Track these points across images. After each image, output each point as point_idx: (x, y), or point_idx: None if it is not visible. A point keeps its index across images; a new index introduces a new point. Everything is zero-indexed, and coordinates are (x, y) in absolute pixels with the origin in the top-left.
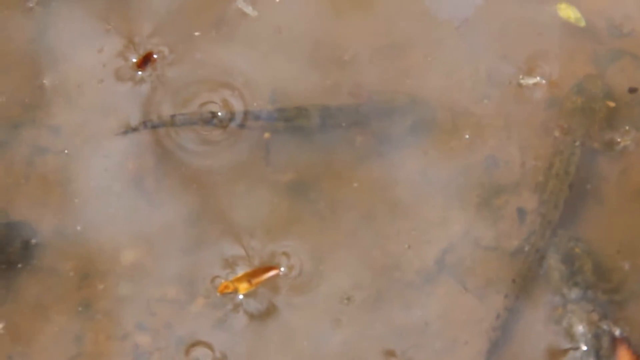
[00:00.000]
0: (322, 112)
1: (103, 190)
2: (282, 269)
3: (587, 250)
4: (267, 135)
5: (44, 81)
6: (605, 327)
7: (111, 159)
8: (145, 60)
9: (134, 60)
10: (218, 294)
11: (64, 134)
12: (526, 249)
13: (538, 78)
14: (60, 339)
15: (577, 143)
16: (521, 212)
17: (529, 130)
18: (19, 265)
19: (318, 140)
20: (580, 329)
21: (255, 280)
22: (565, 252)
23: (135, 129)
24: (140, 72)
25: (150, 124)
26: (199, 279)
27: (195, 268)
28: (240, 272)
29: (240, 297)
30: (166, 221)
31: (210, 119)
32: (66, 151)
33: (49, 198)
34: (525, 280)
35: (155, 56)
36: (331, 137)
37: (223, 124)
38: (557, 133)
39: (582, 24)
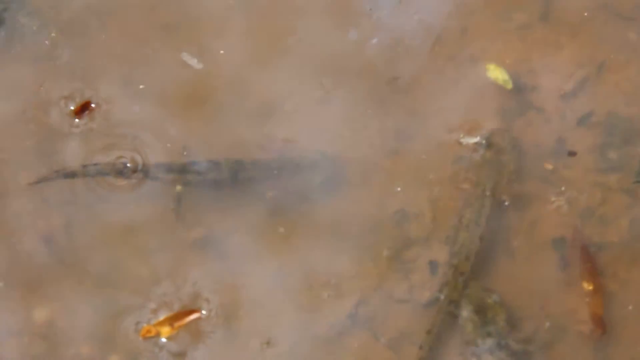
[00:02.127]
0: (234, 166)
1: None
2: (204, 311)
3: (499, 301)
4: (178, 188)
5: None
6: None
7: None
8: (83, 109)
9: (72, 107)
10: (140, 338)
11: None
12: (439, 300)
13: (478, 138)
14: None
15: (487, 194)
16: (433, 265)
17: (438, 184)
18: None
19: (229, 194)
20: None
21: (177, 324)
22: (478, 303)
23: (48, 179)
24: (76, 120)
25: (62, 174)
26: (113, 334)
27: (109, 324)
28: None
29: (163, 340)
30: (77, 280)
31: (122, 170)
32: None
33: None
34: (439, 331)
35: (92, 105)
36: (242, 191)
37: (134, 175)
38: (466, 186)
39: (509, 86)
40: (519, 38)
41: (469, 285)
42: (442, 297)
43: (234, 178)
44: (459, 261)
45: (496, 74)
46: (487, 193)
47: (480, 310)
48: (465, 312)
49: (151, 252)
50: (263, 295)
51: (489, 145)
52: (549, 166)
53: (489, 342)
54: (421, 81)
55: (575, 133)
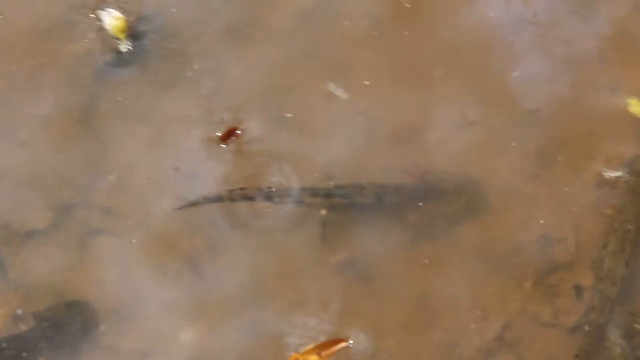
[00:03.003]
0: (378, 190)
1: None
2: (351, 341)
3: None
4: (323, 212)
5: None
6: None
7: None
8: (229, 135)
9: (219, 134)
10: None
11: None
12: (586, 325)
13: (621, 173)
14: None
15: (632, 220)
16: (578, 289)
17: (581, 209)
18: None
19: (373, 218)
20: None
21: (325, 353)
22: (625, 327)
23: (194, 204)
24: (223, 146)
25: (209, 198)
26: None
27: (255, 346)
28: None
29: None
30: (223, 301)
31: (269, 194)
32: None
33: (105, 279)
34: (587, 356)
35: (239, 132)
36: (385, 215)
37: (280, 200)
38: (608, 211)
39: None
40: None
41: (615, 310)
42: (588, 321)
43: (378, 202)
44: (605, 286)
45: (638, 108)
46: (632, 218)
47: (628, 335)
48: (613, 337)
49: (296, 275)
50: (406, 319)
51: (632, 170)
52: None
53: None
54: (560, 111)
55: None
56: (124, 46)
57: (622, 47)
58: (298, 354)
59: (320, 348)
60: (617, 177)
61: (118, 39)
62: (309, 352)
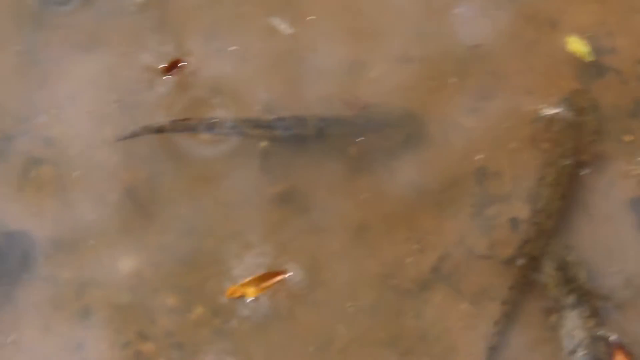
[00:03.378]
0: (319, 122)
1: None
2: (290, 272)
3: (579, 259)
4: (264, 143)
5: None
6: (601, 332)
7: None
8: (173, 67)
9: (162, 65)
10: (226, 298)
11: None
12: (521, 257)
13: (558, 110)
14: (62, 347)
15: (569, 154)
16: (514, 222)
17: (518, 143)
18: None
19: (313, 150)
20: (577, 334)
21: (263, 285)
22: (559, 260)
23: (136, 134)
24: (167, 77)
25: (151, 129)
26: (198, 286)
27: (193, 276)
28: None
29: (248, 300)
30: (162, 231)
31: (211, 126)
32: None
33: (45, 209)
34: (521, 287)
35: (182, 64)
36: (325, 148)
37: (221, 131)
38: (545, 145)
39: (589, 58)
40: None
41: (550, 243)
42: (524, 254)
43: (318, 134)
44: (541, 219)
45: (577, 46)
46: (569, 152)
47: (562, 268)
48: (547, 269)
49: (235, 206)
50: (343, 250)
51: (570, 105)
52: (629, 137)
53: (571, 298)
54: (501, 47)
55: None
56: None
57: None
58: (236, 285)
59: (258, 280)
60: (554, 114)
61: None
62: (247, 284)
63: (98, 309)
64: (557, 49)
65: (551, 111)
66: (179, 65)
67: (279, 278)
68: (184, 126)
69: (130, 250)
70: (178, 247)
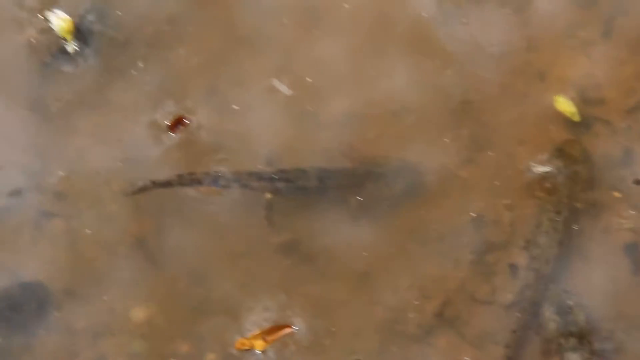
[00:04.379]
0: (320, 174)
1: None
2: (296, 327)
3: (578, 302)
4: (268, 195)
5: None
6: None
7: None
8: (177, 124)
9: (167, 123)
10: (235, 351)
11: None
12: (522, 302)
13: (550, 168)
14: None
15: (564, 201)
16: (513, 268)
17: (514, 192)
18: (36, 325)
19: (315, 201)
20: None
21: (270, 338)
22: (559, 304)
23: (144, 189)
24: (171, 134)
25: (158, 183)
26: (209, 334)
27: (205, 324)
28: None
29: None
30: (172, 281)
31: (216, 179)
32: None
33: (58, 260)
34: (524, 331)
35: (186, 121)
36: (328, 198)
37: (228, 184)
38: (541, 194)
39: (577, 119)
40: (584, 54)
41: (549, 288)
42: (524, 299)
43: (320, 185)
44: (539, 265)
45: (564, 106)
46: (564, 200)
47: (562, 312)
48: (548, 313)
49: (241, 256)
50: (348, 298)
51: (561, 155)
52: (617, 194)
53: (572, 341)
54: (492, 99)
55: None
56: (71, 47)
57: (548, 37)
58: (245, 339)
59: (266, 333)
60: (546, 173)
61: (65, 39)
62: (255, 336)
63: (113, 357)
64: (547, 101)
65: (542, 171)
66: (183, 122)
67: (286, 331)
68: (190, 180)
69: (141, 300)
70: (188, 296)
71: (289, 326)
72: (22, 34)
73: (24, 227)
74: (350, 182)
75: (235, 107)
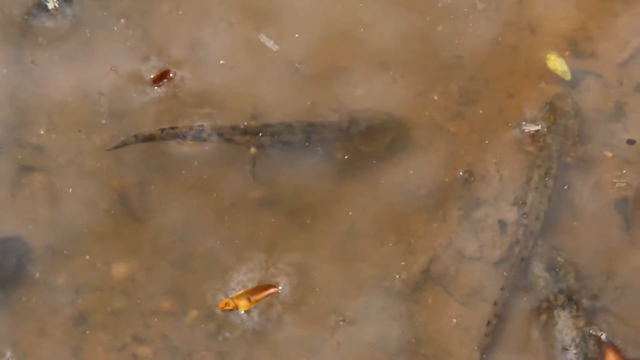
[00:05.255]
0: (306, 128)
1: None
2: (280, 287)
3: (568, 259)
4: (253, 150)
5: None
6: (591, 331)
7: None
8: (162, 77)
9: (151, 76)
10: (219, 311)
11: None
12: (511, 258)
13: (539, 126)
14: (58, 352)
15: (554, 157)
16: (502, 224)
17: (503, 146)
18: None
19: (301, 156)
20: (568, 333)
21: (254, 298)
22: (548, 261)
23: (126, 143)
24: (156, 88)
25: (140, 138)
26: (191, 291)
27: (187, 280)
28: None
29: (241, 313)
30: (154, 237)
31: (200, 133)
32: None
33: (38, 215)
34: (512, 288)
35: (171, 75)
36: (313, 153)
37: (210, 138)
38: (531, 148)
39: (568, 77)
40: (576, 6)
41: (539, 244)
42: (512, 255)
43: (306, 140)
44: (529, 220)
45: (555, 64)
46: (554, 155)
47: (551, 268)
48: (537, 270)
49: (225, 211)
50: (334, 254)
51: (553, 109)
52: (608, 154)
53: (561, 298)
54: (483, 53)
55: (633, 98)
56: (51, 3)
57: None
58: (229, 298)
59: (250, 293)
60: (536, 131)
61: None
62: (239, 296)
63: (93, 313)
64: (538, 55)
65: (532, 130)
66: (167, 75)
67: (270, 291)
68: (173, 134)
69: (123, 256)
70: (170, 252)
71: (273, 286)
72: None
73: (2, 182)
74: (336, 137)
75: (221, 61)
